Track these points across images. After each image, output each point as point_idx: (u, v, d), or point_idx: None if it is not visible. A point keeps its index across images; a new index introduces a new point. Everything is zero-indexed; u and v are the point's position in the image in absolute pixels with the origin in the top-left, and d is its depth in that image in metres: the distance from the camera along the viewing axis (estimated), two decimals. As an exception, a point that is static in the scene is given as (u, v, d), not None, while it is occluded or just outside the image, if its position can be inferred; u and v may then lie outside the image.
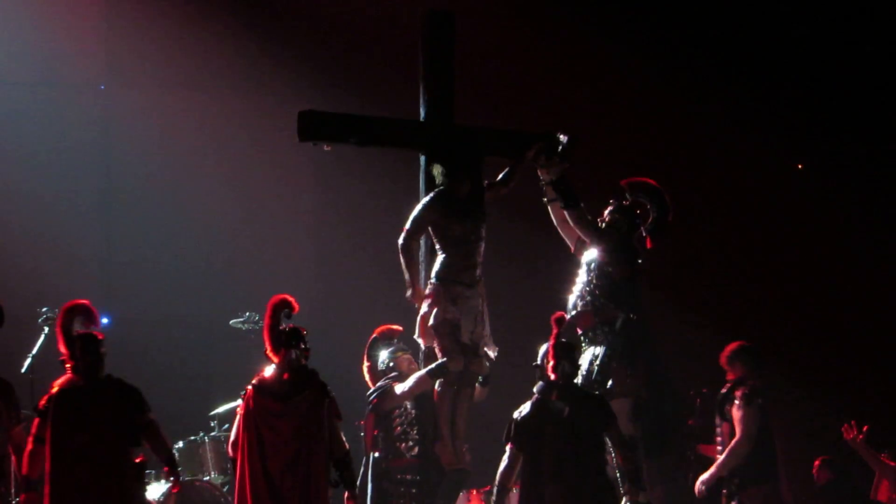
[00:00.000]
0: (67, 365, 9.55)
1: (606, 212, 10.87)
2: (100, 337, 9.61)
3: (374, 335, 11.02)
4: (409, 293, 10.50)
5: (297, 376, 9.42)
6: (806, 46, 14.88)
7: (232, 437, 9.55)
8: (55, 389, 9.45)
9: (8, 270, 14.25)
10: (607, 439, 9.78)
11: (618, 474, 10.22)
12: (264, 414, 9.37)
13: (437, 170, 10.52)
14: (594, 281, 10.73)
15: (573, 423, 9.54)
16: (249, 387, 9.47)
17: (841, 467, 12.04)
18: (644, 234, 10.80)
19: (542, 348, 9.94)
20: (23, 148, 14.57)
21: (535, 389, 9.82)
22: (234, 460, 9.51)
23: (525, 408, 9.72)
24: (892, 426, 12.62)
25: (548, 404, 9.64)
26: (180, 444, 13.00)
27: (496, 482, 9.76)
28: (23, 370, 12.18)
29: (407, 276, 10.45)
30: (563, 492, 9.46)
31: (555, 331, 9.77)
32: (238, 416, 9.52)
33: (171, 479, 9.74)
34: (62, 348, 9.57)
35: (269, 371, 9.49)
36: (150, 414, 9.61)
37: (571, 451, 9.50)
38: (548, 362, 9.74)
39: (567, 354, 9.71)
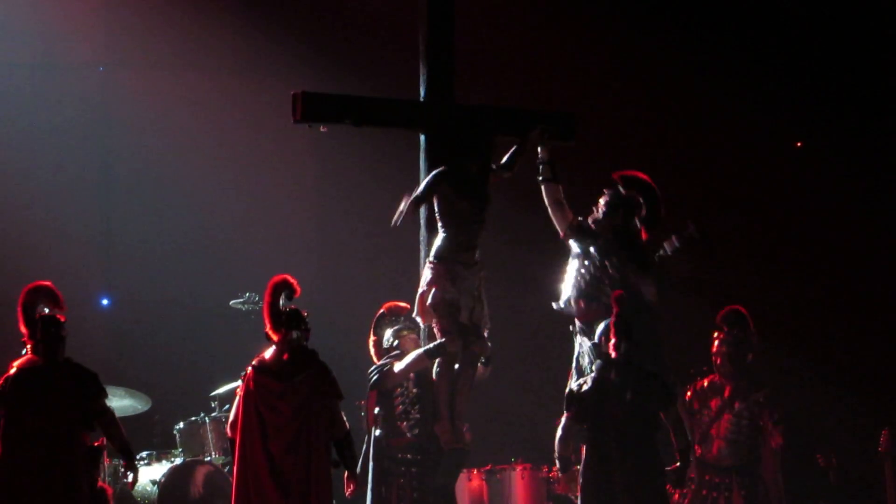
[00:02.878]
0: (28, 345, 9.47)
1: (602, 201, 10.81)
2: (62, 320, 9.50)
3: (381, 311, 11.01)
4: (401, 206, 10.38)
5: (298, 356, 9.40)
6: (806, 22, 14.83)
7: (231, 418, 9.52)
8: (13, 370, 9.38)
9: (8, 252, 14.26)
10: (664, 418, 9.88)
11: None
12: (265, 394, 9.34)
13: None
14: (599, 274, 10.69)
15: (635, 403, 9.65)
16: (249, 368, 9.44)
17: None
18: (639, 226, 10.79)
19: (601, 326, 10.03)
20: (22, 130, 14.54)
21: (594, 367, 9.96)
22: (233, 441, 9.47)
23: (584, 382, 9.85)
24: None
25: (608, 382, 9.73)
26: (181, 424, 13.05)
27: (556, 454, 9.93)
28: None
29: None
30: (630, 473, 9.57)
31: (616, 309, 9.84)
32: (238, 397, 9.50)
33: (129, 472, 9.66)
34: (22, 328, 9.50)
35: (269, 352, 9.48)
36: (105, 400, 9.54)
37: (635, 432, 9.63)
38: (608, 340, 9.83)
39: (627, 333, 9.79)
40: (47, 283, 9.74)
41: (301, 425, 9.30)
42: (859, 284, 14.80)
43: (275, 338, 9.42)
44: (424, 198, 10.44)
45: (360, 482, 9.93)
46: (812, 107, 14.85)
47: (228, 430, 9.57)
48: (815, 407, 13.45)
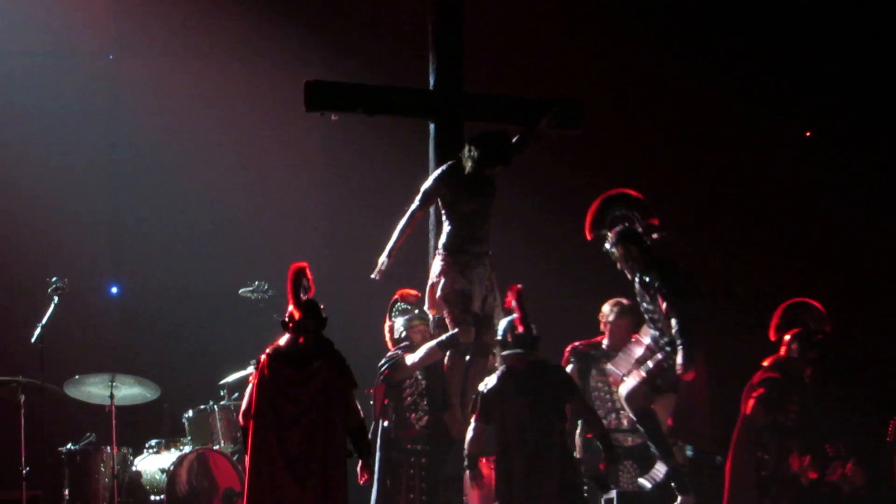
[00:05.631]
0: None
1: (616, 253, 10.68)
2: None
3: (394, 297, 11.01)
4: (383, 258, 10.46)
5: (314, 345, 9.33)
6: (816, 11, 14.79)
7: (244, 407, 9.36)
8: None
9: (18, 241, 14.28)
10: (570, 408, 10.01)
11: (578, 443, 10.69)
12: (281, 382, 9.24)
13: (467, 152, 10.44)
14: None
15: (535, 392, 9.75)
16: (263, 355, 9.32)
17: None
18: (652, 231, 10.74)
19: (503, 322, 10.07)
20: (32, 118, 14.51)
21: (498, 362, 10.06)
22: (244, 429, 9.34)
23: (491, 380, 9.94)
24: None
25: (512, 376, 9.84)
26: (190, 412, 13.04)
27: (465, 453, 9.96)
28: (32, 340, 12.21)
29: (392, 240, 10.45)
30: (526, 461, 9.69)
31: (516, 302, 9.99)
32: (251, 385, 9.37)
33: None
34: None
35: (283, 340, 9.38)
36: None
37: (533, 420, 9.72)
38: (509, 334, 9.95)
39: (529, 323, 9.92)
40: None
41: (318, 414, 9.20)
42: (869, 274, 14.76)
43: (297, 315, 9.37)
44: (422, 206, 10.47)
45: (372, 471, 9.93)
46: (822, 95, 14.81)
47: (241, 418, 9.40)
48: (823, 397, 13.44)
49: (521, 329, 9.88)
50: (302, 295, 9.39)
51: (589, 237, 10.80)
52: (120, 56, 15.08)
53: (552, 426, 9.77)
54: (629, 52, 14.84)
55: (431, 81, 10.91)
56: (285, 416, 9.22)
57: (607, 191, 10.85)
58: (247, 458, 9.32)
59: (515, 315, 9.94)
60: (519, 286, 10.09)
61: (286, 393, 9.25)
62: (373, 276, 10.50)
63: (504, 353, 9.97)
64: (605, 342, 11.33)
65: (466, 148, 10.40)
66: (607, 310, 11.36)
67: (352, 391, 9.39)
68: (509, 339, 9.95)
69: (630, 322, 11.21)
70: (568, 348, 11.31)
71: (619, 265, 10.68)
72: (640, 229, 10.67)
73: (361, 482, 9.71)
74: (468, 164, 10.35)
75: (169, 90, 14.89)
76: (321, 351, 9.34)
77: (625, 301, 11.22)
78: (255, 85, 14.97)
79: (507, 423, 9.78)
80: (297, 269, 9.42)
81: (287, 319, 9.36)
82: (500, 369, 9.95)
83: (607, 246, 10.66)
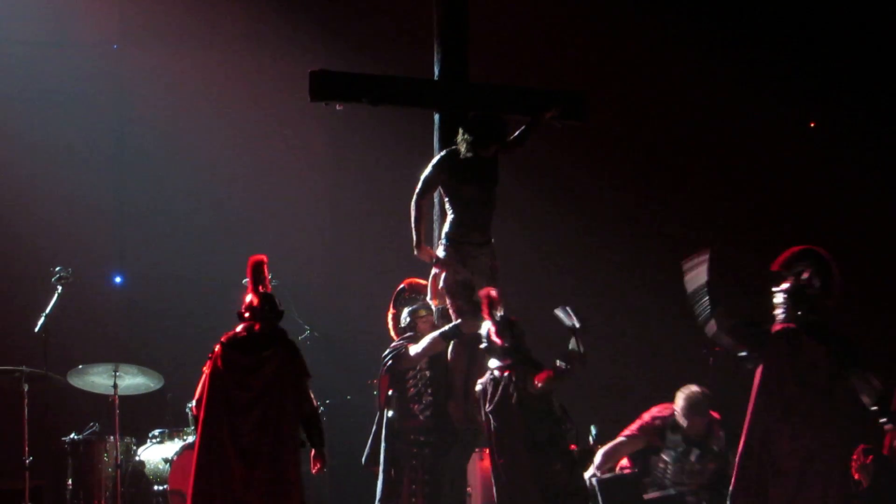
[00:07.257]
0: None
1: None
2: None
3: (401, 285, 11.01)
4: (416, 251, 10.49)
5: (267, 332, 9.38)
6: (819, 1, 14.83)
7: (197, 395, 9.42)
8: None
9: (22, 230, 14.30)
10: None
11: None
12: (234, 370, 9.29)
13: (461, 136, 10.45)
14: None
15: (500, 398, 9.81)
16: (217, 345, 9.39)
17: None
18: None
19: (484, 326, 10.05)
20: (37, 107, 14.54)
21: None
22: (196, 418, 9.41)
23: (482, 379, 10.04)
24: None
25: (497, 377, 9.93)
26: (193, 402, 13.01)
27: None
28: (36, 329, 12.22)
29: (414, 234, 10.46)
30: (504, 463, 9.81)
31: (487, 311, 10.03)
32: (204, 375, 9.40)
33: None
34: None
35: (237, 330, 9.44)
36: None
37: (500, 425, 9.82)
38: (494, 337, 10.00)
39: (509, 328, 9.94)
40: None
41: (270, 402, 9.23)
42: (878, 270, 14.75)
43: (255, 302, 9.35)
44: (424, 194, 10.48)
45: (325, 461, 9.83)
46: (826, 85, 14.80)
47: (195, 408, 9.46)
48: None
49: (498, 341, 9.92)
50: (260, 287, 9.45)
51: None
52: (124, 46, 15.10)
53: (517, 431, 9.81)
54: (634, 43, 14.86)
55: (436, 72, 10.91)
56: (237, 404, 9.25)
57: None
58: (195, 447, 9.31)
59: (490, 327, 9.95)
60: (490, 291, 10.05)
61: (238, 380, 9.29)
62: (433, 260, 10.50)
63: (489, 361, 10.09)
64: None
65: (460, 132, 10.42)
66: (681, 407, 11.02)
67: (305, 380, 9.41)
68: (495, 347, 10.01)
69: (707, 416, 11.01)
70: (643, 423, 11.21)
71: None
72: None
73: (314, 471, 9.62)
74: (463, 148, 10.37)
75: (173, 80, 14.91)
76: (274, 339, 9.39)
77: (700, 396, 11.01)
78: (260, 74, 14.99)
79: (484, 426, 9.97)
80: (257, 262, 9.53)
81: (243, 310, 9.42)
82: (488, 369, 10.03)
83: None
